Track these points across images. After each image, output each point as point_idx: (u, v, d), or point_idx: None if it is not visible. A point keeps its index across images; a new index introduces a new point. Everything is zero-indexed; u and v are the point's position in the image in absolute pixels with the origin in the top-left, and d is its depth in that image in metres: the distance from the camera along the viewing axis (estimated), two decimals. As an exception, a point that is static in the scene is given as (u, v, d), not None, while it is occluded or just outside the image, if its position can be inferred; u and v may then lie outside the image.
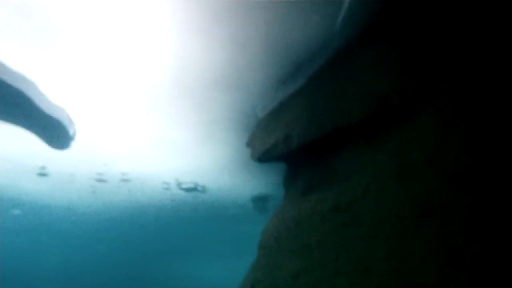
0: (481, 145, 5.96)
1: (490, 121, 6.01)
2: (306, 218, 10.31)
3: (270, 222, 12.56)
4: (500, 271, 4.93)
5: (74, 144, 21.99)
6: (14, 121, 17.21)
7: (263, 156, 13.25)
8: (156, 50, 12.86)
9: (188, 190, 29.38)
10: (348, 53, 10.79)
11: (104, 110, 17.43)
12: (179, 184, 28.76)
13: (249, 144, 15.46)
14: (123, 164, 25.45)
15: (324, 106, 10.77)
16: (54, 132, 18.05)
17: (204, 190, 30.06)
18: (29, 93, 15.36)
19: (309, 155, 11.77)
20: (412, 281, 6.25)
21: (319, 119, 10.72)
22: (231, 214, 39.63)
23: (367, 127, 9.51)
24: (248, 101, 15.60)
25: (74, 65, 13.97)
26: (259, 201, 31.62)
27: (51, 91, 15.90)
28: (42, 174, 27.51)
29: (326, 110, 10.63)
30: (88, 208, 41.06)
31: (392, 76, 8.53)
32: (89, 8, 11.29)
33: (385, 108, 8.53)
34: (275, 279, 10.49)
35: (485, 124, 6.09)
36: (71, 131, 18.70)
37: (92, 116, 18.15)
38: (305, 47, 12.08)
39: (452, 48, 7.41)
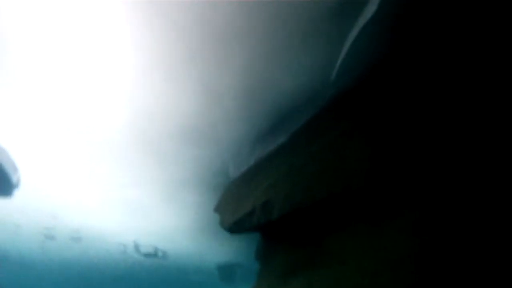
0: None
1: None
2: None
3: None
4: None
5: (18, 192, 19.05)
6: None
7: (235, 226, 10.88)
8: (114, 91, 10.70)
9: (147, 255, 26.24)
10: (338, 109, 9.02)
11: (52, 157, 14.85)
12: (137, 248, 25.62)
13: (218, 209, 13.07)
14: (74, 220, 22.30)
15: (313, 168, 8.71)
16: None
17: (165, 256, 26.92)
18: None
19: (294, 227, 9.51)
20: None
21: (307, 183, 8.63)
22: (194, 281, 36.13)
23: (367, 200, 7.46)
24: (219, 158, 13.43)
25: (19, 104, 11.60)
26: (226, 270, 28.61)
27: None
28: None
29: (315, 173, 8.57)
30: (37, 264, 36.79)
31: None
32: (38, 43, 9.21)
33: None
34: None
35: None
36: (14, 178, 15.93)
37: (39, 162, 15.51)
38: (291, 98, 10.20)
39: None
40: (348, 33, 8.32)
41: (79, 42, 9.17)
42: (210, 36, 8.73)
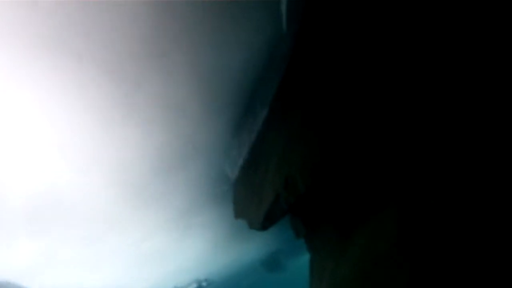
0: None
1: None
2: (372, 263, 7.10)
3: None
4: None
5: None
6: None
7: (266, 221, 10.04)
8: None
9: (194, 293, 25.37)
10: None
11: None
12: (180, 292, 24.69)
13: (239, 214, 12.17)
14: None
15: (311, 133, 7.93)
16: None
17: (210, 283, 26.04)
18: None
19: (325, 193, 8.73)
20: None
21: (317, 141, 7.85)
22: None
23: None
24: (211, 169, 12.49)
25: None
26: (270, 262, 28.10)
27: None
28: None
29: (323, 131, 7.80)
30: None
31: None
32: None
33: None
34: None
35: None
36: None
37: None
38: (252, 70, 9.28)
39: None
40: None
41: None
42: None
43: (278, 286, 42.25)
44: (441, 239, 5.30)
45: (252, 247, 23.75)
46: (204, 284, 25.46)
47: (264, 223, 10.14)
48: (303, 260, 36.42)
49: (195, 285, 24.84)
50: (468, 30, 5.15)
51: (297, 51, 8.49)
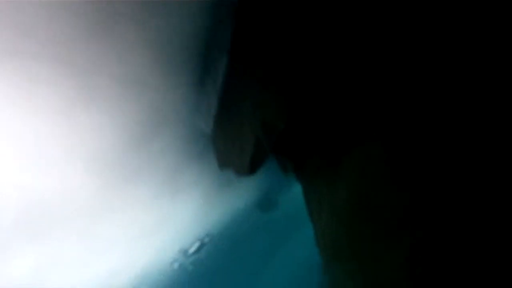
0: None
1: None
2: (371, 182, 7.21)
3: (323, 217, 9.42)
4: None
5: None
6: None
7: (252, 165, 10.02)
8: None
9: (197, 251, 25.85)
10: None
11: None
12: (185, 253, 25.13)
13: (223, 164, 12.11)
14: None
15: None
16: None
17: (211, 238, 26.58)
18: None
19: (305, 129, 8.69)
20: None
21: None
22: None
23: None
24: (185, 129, 12.22)
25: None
26: (263, 203, 28.67)
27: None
28: None
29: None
30: None
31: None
32: None
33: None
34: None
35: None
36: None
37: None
38: (201, 20, 8.80)
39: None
40: None
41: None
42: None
43: (275, 223, 43.58)
44: (435, 159, 5.31)
45: (243, 193, 24.07)
46: (206, 240, 25.94)
47: (251, 168, 10.13)
48: (295, 192, 37.36)
49: (198, 243, 25.27)
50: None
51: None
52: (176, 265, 26.56)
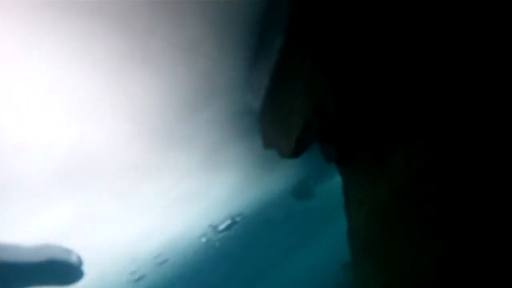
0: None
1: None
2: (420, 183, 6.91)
3: (358, 216, 9.15)
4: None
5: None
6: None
7: (297, 147, 9.82)
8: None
9: (228, 228, 26.08)
10: None
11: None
12: (215, 229, 25.38)
13: (268, 144, 11.99)
14: (152, 246, 21.80)
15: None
16: (56, 273, 14.67)
17: (243, 217, 26.72)
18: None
19: (358, 115, 8.36)
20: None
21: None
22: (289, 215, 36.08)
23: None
24: (233, 103, 12.13)
25: None
26: (299, 189, 28.45)
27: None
28: None
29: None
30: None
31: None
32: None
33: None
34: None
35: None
36: (73, 259, 15.26)
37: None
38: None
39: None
40: None
41: None
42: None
43: (309, 213, 43.35)
44: (477, 163, 5.06)
45: (280, 177, 23.95)
46: (237, 219, 26.12)
47: (296, 151, 9.95)
48: (331, 185, 36.90)
49: (229, 221, 25.49)
50: None
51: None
52: (204, 239, 26.91)
